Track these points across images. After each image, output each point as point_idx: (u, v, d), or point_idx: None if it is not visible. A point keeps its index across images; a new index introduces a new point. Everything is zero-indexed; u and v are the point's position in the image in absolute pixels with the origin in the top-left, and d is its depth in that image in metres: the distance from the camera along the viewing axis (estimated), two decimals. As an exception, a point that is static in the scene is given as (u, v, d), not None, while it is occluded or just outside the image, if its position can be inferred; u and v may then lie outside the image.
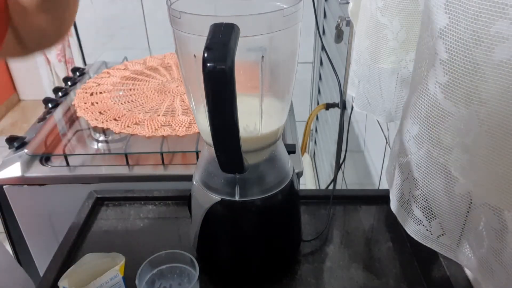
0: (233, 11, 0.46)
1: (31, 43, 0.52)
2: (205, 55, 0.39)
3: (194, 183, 0.58)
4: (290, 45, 0.49)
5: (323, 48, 1.68)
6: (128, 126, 0.95)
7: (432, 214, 0.43)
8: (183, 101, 1.05)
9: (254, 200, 0.54)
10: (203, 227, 0.58)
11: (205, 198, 0.56)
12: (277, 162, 0.57)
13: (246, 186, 0.54)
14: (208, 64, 0.39)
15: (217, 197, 0.55)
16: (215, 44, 0.39)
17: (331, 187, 0.79)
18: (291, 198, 0.59)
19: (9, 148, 0.91)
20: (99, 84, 1.16)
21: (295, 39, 0.49)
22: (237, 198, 0.54)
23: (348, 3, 1.03)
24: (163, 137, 0.92)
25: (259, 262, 0.61)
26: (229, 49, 0.39)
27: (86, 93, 1.12)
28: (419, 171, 0.43)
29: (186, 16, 0.43)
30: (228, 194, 0.54)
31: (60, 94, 1.15)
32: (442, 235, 0.44)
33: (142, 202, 0.78)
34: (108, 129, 0.95)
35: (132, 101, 1.07)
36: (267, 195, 0.55)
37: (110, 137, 0.95)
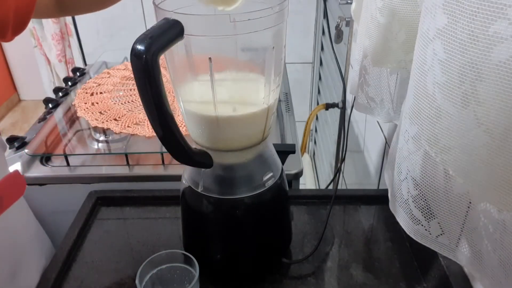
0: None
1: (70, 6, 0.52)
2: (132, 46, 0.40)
3: (183, 181, 0.59)
4: (278, 38, 0.49)
5: (322, 48, 1.68)
6: (128, 126, 0.95)
7: (431, 214, 0.43)
8: (183, 101, 1.06)
9: (243, 198, 0.55)
10: (189, 224, 0.59)
11: (191, 196, 0.57)
12: (265, 161, 0.57)
13: (234, 185, 0.55)
14: (134, 55, 0.39)
15: (203, 195, 0.55)
16: (145, 36, 0.40)
17: (330, 187, 0.80)
18: (279, 197, 0.60)
19: (10, 148, 0.91)
20: (99, 84, 1.16)
21: (282, 31, 0.49)
22: (223, 196, 0.55)
23: (347, 3, 1.04)
24: (163, 137, 0.92)
25: (246, 260, 0.61)
26: (154, 40, 0.39)
27: (86, 93, 1.12)
28: (417, 171, 0.43)
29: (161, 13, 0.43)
30: (214, 192, 0.55)
31: (60, 94, 1.15)
32: (441, 234, 0.44)
33: (142, 202, 0.78)
34: (108, 129, 0.95)
35: (132, 101, 1.07)
36: (253, 193, 0.55)
37: (110, 137, 0.95)
